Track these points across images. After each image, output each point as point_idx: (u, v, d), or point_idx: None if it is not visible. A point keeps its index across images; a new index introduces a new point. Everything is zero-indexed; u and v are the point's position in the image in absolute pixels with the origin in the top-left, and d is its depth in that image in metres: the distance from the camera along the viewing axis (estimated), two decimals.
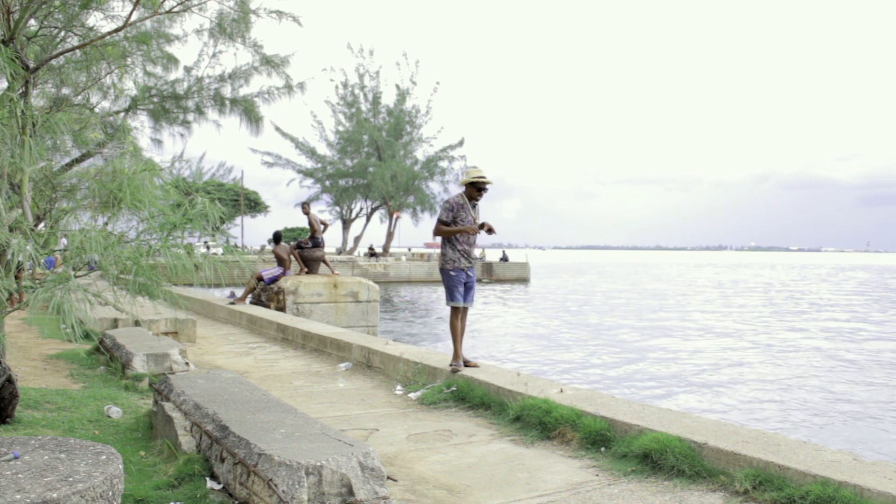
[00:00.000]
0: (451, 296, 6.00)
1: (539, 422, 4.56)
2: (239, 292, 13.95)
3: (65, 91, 7.85)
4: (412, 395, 5.74)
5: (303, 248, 13.89)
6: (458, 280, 5.97)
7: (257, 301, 13.42)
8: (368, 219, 50.29)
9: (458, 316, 6.02)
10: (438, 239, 6.16)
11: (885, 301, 32.50)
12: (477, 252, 6.17)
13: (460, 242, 5.98)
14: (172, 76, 9.98)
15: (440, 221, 5.98)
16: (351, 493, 2.87)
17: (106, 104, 9.57)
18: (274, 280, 13.25)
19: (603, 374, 12.54)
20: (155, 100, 9.91)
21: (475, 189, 5.99)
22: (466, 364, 5.96)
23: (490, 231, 6.01)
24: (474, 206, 6.05)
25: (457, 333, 6.02)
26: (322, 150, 48.40)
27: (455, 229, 5.92)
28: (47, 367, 6.56)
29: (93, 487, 2.27)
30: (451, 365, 5.89)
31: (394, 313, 23.22)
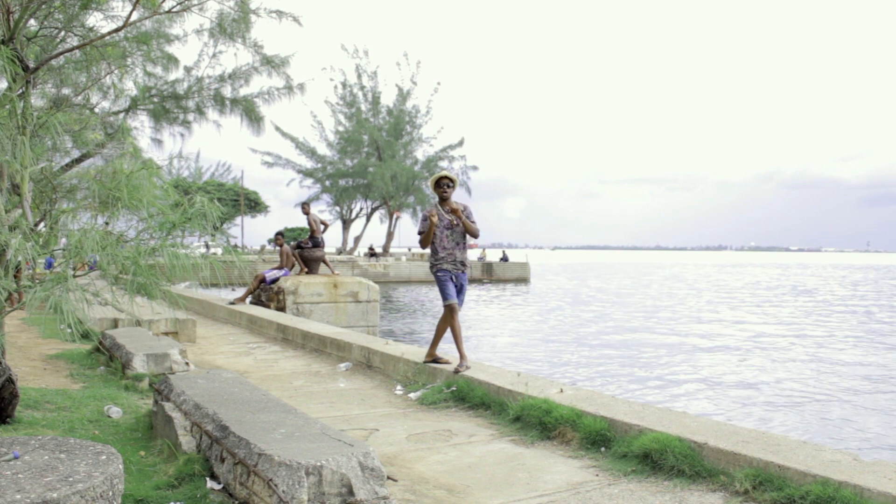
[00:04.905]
0: (443, 294, 6.06)
1: (539, 422, 4.56)
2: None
3: (65, 91, 7.86)
4: (412, 395, 5.74)
5: (303, 249, 13.89)
6: (445, 278, 6.05)
7: (257, 301, 13.43)
8: (368, 219, 50.36)
9: (453, 314, 6.01)
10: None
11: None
12: (470, 256, 6.24)
13: (442, 248, 6.10)
14: (172, 76, 9.98)
15: (418, 233, 6.18)
16: (351, 493, 2.87)
17: (106, 104, 9.57)
18: (275, 280, 13.27)
19: (603, 374, 12.54)
20: (155, 100, 9.90)
21: (439, 188, 6.12)
22: (437, 361, 6.14)
23: (453, 212, 6.06)
24: (448, 211, 6.13)
25: (457, 332, 6.00)
26: (322, 150, 48.50)
27: (426, 233, 6.04)
28: (47, 367, 6.56)
29: (93, 487, 2.27)
30: (456, 367, 5.85)
31: (394, 313, 23.22)
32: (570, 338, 17.48)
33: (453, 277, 6.08)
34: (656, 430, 3.91)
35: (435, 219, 5.99)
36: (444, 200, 6.14)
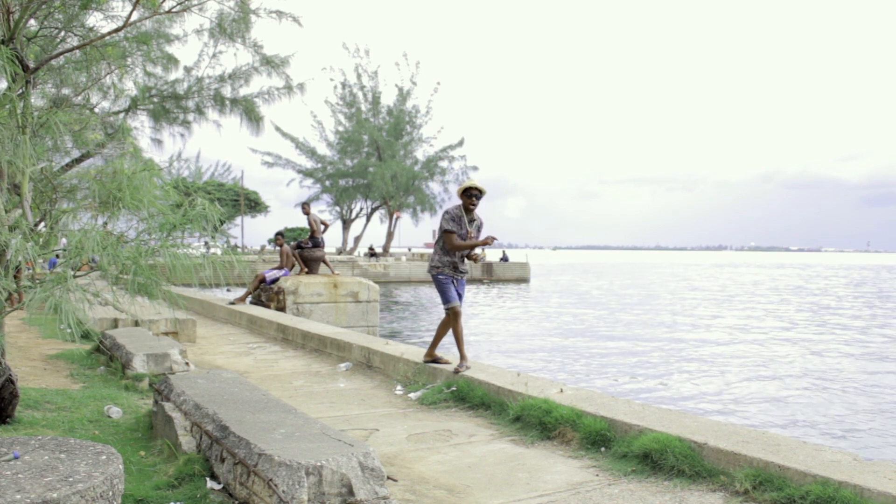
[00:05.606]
0: (445, 298, 6.00)
1: (539, 422, 4.56)
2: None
3: (65, 91, 7.85)
4: (412, 395, 5.74)
5: (303, 249, 13.90)
6: (446, 282, 5.99)
7: (257, 301, 13.43)
8: (368, 219, 50.37)
9: (457, 318, 5.98)
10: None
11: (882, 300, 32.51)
12: (467, 266, 6.17)
13: (448, 253, 6.00)
14: (172, 76, 9.97)
15: (449, 232, 5.96)
16: (351, 493, 2.87)
17: (106, 104, 9.56)
18: (275, 280, 13.27)
19: (603, 374, 12.54)
20: (155, 100, 9.90)
21: (468, 198, 6.00)
22: (437, 361, 6.13)
23: (475, 259, 6.07)
24: (471, 221, 6.08)
25: (459, 334, 6.01)
26: (322, 150, 48.50)
27: (470, 244, 5.94)
28: (47, 367, 6.56)
29: (93, 487, 2.27)
30: (456, 367, 5.86)
31: (394, 313, 23.22)
32: (570, 338, 17.48)
33: (454, 281, 6.06)
34: (656, 430, 3.91)
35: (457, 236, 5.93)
36: (469, 210, 6.07)
